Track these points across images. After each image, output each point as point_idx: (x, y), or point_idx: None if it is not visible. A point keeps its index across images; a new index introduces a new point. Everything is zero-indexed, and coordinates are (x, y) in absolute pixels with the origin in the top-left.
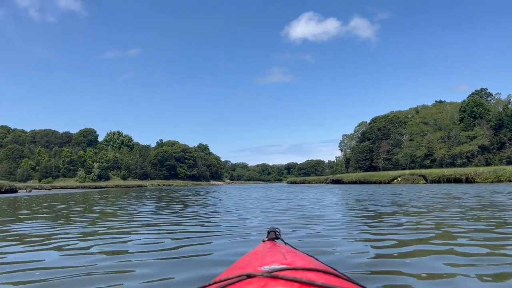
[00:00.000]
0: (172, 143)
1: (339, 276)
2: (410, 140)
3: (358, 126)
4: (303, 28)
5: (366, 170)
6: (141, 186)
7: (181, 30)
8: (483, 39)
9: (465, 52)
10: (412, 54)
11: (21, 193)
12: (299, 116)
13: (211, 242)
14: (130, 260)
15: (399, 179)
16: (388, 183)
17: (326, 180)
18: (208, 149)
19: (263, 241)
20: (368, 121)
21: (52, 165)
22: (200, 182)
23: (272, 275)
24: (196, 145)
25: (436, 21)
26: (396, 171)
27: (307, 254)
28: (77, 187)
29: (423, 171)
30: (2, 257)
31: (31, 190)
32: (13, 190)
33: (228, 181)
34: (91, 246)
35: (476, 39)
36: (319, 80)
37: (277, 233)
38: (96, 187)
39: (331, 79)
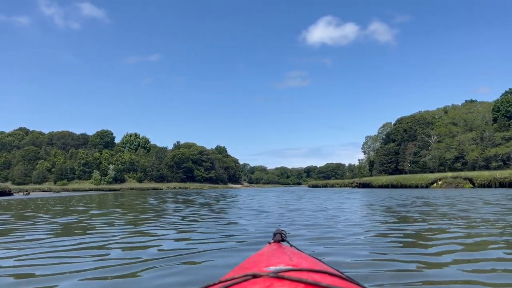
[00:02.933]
0: (189, 145)
1: (345, 278)
2: (439, 141)
3: (382, 127)
4: (321, 32)
5: (391, 174)
6: (157, 189)
7: (200, 35)
8: (505, 40)
9: (487, 54)
10: (434, 55)
11: (17, 196)
12: (318, 119)
13: None
14: None
15: (440, 182)
16: (426, 187)
17: (352, 183)
18: (226, 151)
19: (269, 243)
20: (393, 122)
21: (67, 167)
22: (217, 185)
23: (277, 276)
24: (213, 147)
25: (457, 23)
26: (436, 174)
27: (313, 257)
28: (90, 190)
29: (469, 174)
30: None
31: (29, 193)
32: (6, 193)
33: (246, 184)
34: None
35: (497, 39)
36: (338, 83)
37: (283, 235)
38: (110, 190)
39: (350, 82)
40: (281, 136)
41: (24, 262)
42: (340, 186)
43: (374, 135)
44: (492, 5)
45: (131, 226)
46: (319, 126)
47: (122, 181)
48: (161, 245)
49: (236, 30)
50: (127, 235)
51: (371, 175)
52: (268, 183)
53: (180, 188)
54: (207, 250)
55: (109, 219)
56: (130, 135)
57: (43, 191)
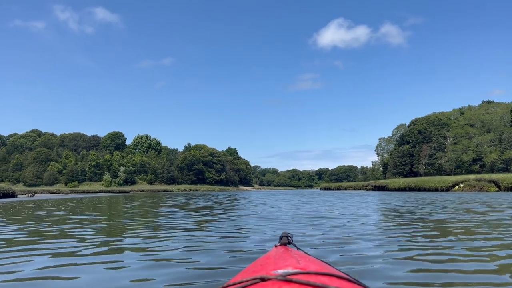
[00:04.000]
0: (200, 147)
1: (352, 281)
2: (455, 143)
3: (396, 128)
4: (333, 35)
5: (405, 176)
6: (167, 191)
7: (212, 38)
8: None
9: (501, 55)
10: (447, 57)
11: (20, 198)
12: (330, 122)
13: None
14: None
15: (462, 185)
16: (447, 190)
17: (367, 186)
18: (237, 153)
19: (276, 246)
20: (407, 123)
21: (78, 168)
22: (228, 187)
23: (286, 279)
24: (224, 150)
25: (470, 23)
26: (457, 176)
27: (320, 259)
28: (100, 191)
29: (494, 176)
30: None
31: (33, 195)
32: (8, 195)
33: (257, 186)
34: None
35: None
36: (349, 86)
37: (289, 238)
38: (120, 192)
39: (362, 84)
40: (293, 138)
41: None
42: (354, 189)
43: (388, 137)
44: (504, 6)
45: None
46: (331, 128)
47: (133, 183)
48: None
49: (248, 33)
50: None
51: (385, 178)
52: (279, 186)
53: (190, 190)
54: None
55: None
56: (141, 137)
57: (51, 193)
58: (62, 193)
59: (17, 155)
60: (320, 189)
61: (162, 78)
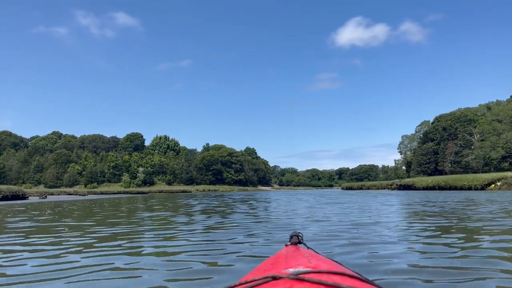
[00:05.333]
0: (219, 147)
1: (364, 280)
2: (482, 140)
3: (419, 125)
4: (351, 33)
5: (430, 174)
6: (186, 192)
7: (230, 40)
8: None
9: None
10: (470, 53)
11: (32, 199)
12: (350, 120)
13: None
14: None
15: (499, 183)
16: (482, 189)
17: (391, 185)
18: (256, 153)
19: (286, 245)
20: (431, 120)
21: (97, 170)
22: (247, 187)
23: (298, 277)
24: (243, 149)
25: (492, 19)
26: (492, 174)
27: (331, 259)
28: (119, 193)
29: None
30: None
31: (45, 196)
32: (18, 197)
33: (276, 186)
34: None
35: None
36: (369, 84)
37: (299, 237)
38: (138, 193)
39: (382, 82)
40: (312, 138)
41: None
42: (377, 188)
43: (411, 134)
44: None
45: None
46: (351, 127)
47: (152, 183)
48: None
49: (265, 34)
50: None
51: (408, 176)
52: (298, 185)
53: (209, 190)
54: None
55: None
56: (160, 138)
57: (68, 194)
58: (79, 195)
59: (38, 157)
60: (342, 188)
61: (180, 80)
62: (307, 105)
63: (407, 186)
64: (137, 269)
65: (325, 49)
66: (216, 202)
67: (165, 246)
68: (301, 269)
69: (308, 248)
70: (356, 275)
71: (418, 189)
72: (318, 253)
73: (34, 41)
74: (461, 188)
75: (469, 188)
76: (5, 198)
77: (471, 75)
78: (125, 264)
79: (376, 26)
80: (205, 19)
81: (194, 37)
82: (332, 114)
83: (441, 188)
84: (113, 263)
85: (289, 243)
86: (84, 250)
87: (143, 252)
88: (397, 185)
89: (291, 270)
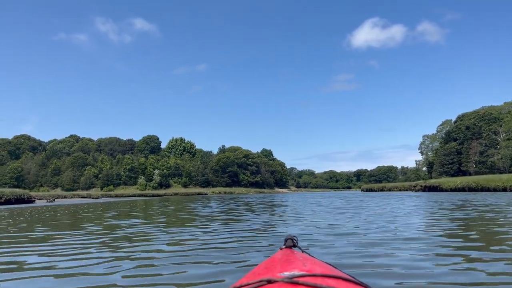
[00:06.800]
0: (235, 149)
1: (359, 283)
2: (508, 139)
3: (441, 125)
4: (367, 34)
5: (453, 175)
6: (202, 194)
7: (245, 42)
8: None
9: None
10: (491, 51)
11: (39, 203)
12: (367, 122)
13: None
14: None
15: None
16: None
17: (415, 186)
18: (272, 155)
19: (281, 248)
20: (454, 119)
21: (114, 172)
22: (263, 190)
23: (292, 281)
24: (259, 151)
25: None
26: None
27: (326, 262)
28: (134, 195)
29: None
30: None
31: (53, 200)
32: (23, 200)
33: (293, 188)
34: None
35: None
36: (386, 85)
37: (294, 241)
38: (153, 195)
39: (400, 83)
40: (329, 139)
41: None
42: (400, 190)
43: (432, 134)
44: None
45: None
46: (368, 128)
47: (168, 186)
48: None
49: (280, 36)
50: None
51: (430, 177)
52: (316, 187)
53: (225, 193)
54: None
55: None
56: (176, 140)
57: (82, 197)
58: (92, 198)
59: (55, 160)
60: (362, 190)
61: (196, 83)
62: (323, 106)
63: (433, 188)
64: None
65: (341, 50)
66: (219, 208)
67: None
68: (296, 272)
69: (303, 251)
70: (352, 278)
71: (446, 190)
72: (313, 256)
73: (55, 47)
74: (494, 190)
75: (504, 189)
76: (8, 202)
77: (494, 73)
78: None
79: (393, 27)
80: (220, 22)
81: (210, 40)
82: (349, 115)
83: (471, 189)
84: None
85: (283, 247)
86: None
87: None
88: (421, 186)
89: (286, 273)
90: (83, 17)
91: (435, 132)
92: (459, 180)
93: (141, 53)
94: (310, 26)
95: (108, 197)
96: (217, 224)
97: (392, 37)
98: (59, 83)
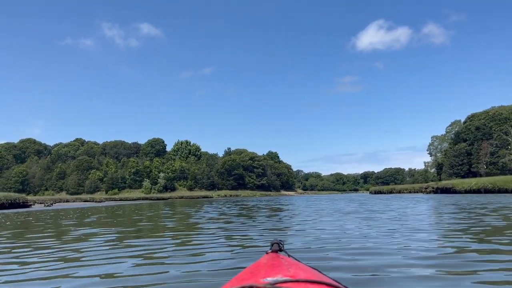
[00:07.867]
0: (240, 152)
1: None
2: None
3: (450, 126)
4: (372, 37)
5: (463, 177)
6: (207, 197)
7: (251, 45)
8: None
9: None
10: (500, 50)
11: (35, 207)
12: (373, 124)
13: None
14: None
15: None
16: None
17: (426, 188)
18: (278, 157)
19: (266, 253)
20: (463, 120)
21: (118, 176)
22: (269, 192)
23: (274, 287)
24: (265, 154)
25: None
26: None
27: (311, 267)
28: (138, 199)
29: None
30: None
31: (51, 204)
32: (19, 205)
33: (300, 191)
34: None
35: None
36: (391, 87)
37: (280, 245)
38: (158, 199)
39: (405, 85)
40: (335, 141)
41: None
42: (410, 192)
43: (441, 135)
44: None
45: None
46: (374, 130)
47: (173, 189)
48: None
49: (285, 39)
50: None
51: (439, 179)
52: (323, 190)
53: (230, 196)
54: None
55: None
56: (181, 143)
57: (84, 201)
58: (95, 201)
59: (60, 164)
60: (370, 192)
61: (202, 87)
62: (329, 108)
63: (446, 189)
64: None
65: (347, 53)
66: (213, 213)
67: None
68: (279, 278)
69: (289, 255)
70: (336, 283)
71: (459, 192)
72: (299, 261)
73: (61, 52)
74: None
75: None
76: (2, 206)
77: (502, 73)
78: None
79: (398, 29)
80: (226, 26)
81: (215, 44)
82: (355, 117)
83: (487, 191)
84: None
85: (269, 251)
86: None
87: None
88: (433, 188)
89: (269, 279)
90: (89, 22)
91: (444, 133)
92: (474, 181)
93: (147, 57)
94: (315, 29)
95: (111, 200)
96: (187, 238)
97: (397, 39)
98: (66, 87)
